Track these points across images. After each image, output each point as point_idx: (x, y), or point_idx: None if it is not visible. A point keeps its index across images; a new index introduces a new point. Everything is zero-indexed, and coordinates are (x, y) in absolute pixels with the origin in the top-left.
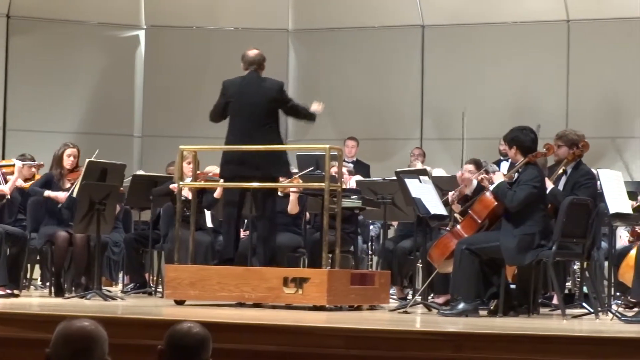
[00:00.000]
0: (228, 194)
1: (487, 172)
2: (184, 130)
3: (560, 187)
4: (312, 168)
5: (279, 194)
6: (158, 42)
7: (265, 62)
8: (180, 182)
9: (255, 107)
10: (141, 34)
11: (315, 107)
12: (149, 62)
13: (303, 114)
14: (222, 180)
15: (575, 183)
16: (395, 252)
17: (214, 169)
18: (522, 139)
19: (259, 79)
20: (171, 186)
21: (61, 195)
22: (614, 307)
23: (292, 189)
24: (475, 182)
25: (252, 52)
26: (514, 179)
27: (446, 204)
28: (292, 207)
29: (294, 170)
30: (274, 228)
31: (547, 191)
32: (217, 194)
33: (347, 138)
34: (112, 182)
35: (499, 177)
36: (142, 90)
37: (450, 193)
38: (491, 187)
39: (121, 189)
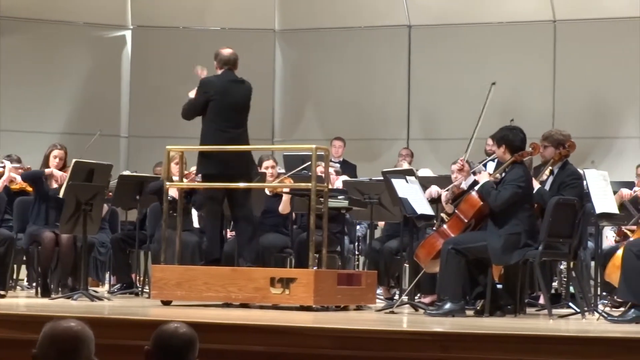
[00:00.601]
0: (211, 190)
1: (473, 173)
2: (170, 131)
3: (547, 187)
4: (308, 163)
5: (268, 193)
6: (145, 43)
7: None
8: (168, 183)
9: (236, 107)
10: (128, 34)
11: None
12: (136, 62)
13: None
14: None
15: (562, 183)
16: (382, 252)
17: None
18: (511, 139)
19: (237, 79)
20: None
21: (63, 175)
22: (601, 307)
23: (284, 190)
24: (473, 177)
25: (227, 51)
26: (501, 179)
27: (438, 200)
28: (284, 207)
29: (281, 170)
30: (257, 227)
31: (534, 191)
32: None
33: (334, 138)
34: (99, 183)
35: (484, 177)
36: (128, 91)
37: (444, 193)
38: (477, 187)
39: (110, 193)
